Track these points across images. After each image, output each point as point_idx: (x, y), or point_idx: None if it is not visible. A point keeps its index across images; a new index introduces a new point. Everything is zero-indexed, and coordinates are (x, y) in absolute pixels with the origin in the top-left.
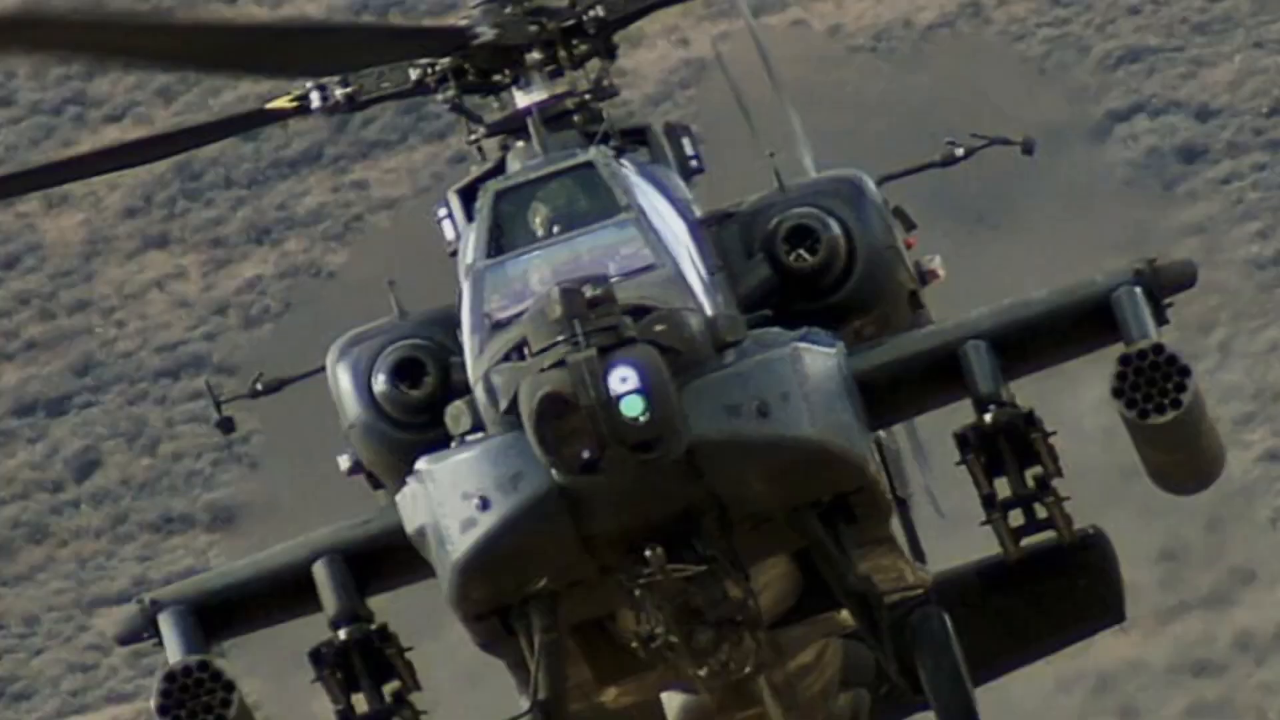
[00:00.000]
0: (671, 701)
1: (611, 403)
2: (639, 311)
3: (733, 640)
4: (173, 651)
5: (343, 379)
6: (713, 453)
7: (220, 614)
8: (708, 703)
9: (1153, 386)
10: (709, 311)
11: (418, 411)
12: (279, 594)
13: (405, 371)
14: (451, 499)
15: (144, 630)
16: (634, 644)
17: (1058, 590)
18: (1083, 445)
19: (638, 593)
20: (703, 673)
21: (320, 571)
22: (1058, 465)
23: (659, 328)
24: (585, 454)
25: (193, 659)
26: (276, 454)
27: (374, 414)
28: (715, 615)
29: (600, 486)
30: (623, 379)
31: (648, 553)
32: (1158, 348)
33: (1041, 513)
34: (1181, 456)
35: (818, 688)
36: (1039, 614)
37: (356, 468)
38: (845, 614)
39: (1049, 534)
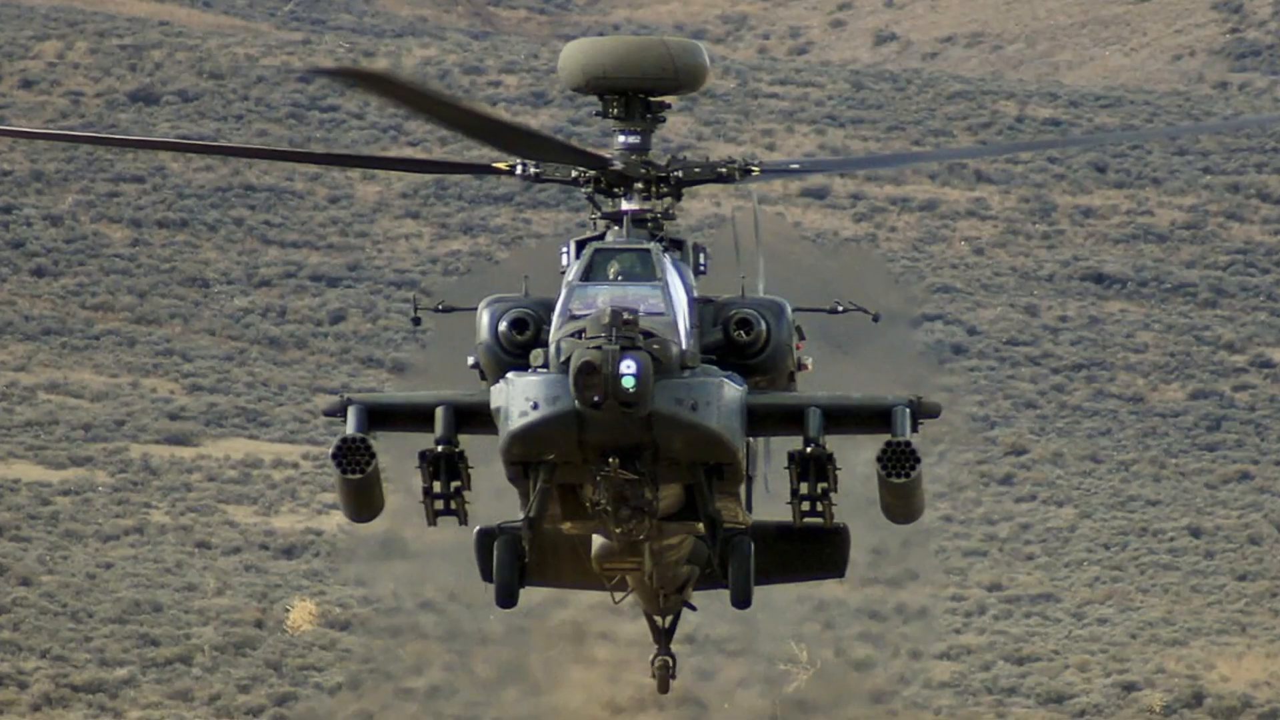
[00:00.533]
0: (595, 540)
1: (618, 377)
2: (648, 334)
3: (638, 519)
4: (349, 427)
5: (484, 317)
6: (661, 419)
7: (381, 416)
8: (615, 547)
9: (899, 462)
10: (684, 347)
11: (517, 347)
12: (414, 416)
13: (517, 324)
14: (519, 398)
15: (338, 411)
16: (588, 505)
17: (813, 550)
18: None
19: (598, 479)
20: (618, 531)
21: (439, 411)
22: (835, 485)
23: (655, 347)
24: (595, 399)
25: (358, 434)
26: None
27: (494, 340)
28: (634, 503)
29: (597, 418)
30: (627, 366)
31: (610, 459)
32: (907, 443)
33: (819, 507)
34: (902, 504)
35: (674, 558)
36: (799, 559)
37: (475, 366)
38: (701, 525)
39: (819, 519)
